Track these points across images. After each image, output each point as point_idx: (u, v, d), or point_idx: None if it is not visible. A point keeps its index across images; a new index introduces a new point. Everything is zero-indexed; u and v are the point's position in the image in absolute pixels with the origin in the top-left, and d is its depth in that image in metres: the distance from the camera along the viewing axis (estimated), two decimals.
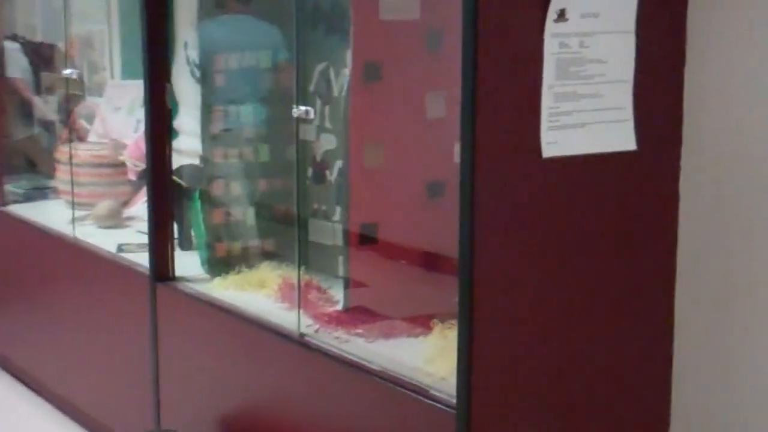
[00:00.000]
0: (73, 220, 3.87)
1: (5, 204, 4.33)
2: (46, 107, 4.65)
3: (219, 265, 3.21)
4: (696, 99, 2.35)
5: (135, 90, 3.97)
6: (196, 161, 3.29)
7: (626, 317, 2.31)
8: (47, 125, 4.64)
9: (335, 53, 2.92)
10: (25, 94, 4.67)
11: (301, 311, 2.76)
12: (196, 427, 3.05)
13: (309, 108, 2.80)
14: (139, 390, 3.32)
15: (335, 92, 2.93)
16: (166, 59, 3.21)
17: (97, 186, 4.02)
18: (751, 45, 2.33)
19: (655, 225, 2.33)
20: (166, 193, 3.23)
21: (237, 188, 3.24)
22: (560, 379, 2.23)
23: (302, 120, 2.84)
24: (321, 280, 2.97)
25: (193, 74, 3.23)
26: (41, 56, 4.66)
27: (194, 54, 3.22)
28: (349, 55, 2.82)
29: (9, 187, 4.42)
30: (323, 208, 3.00)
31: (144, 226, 3.36)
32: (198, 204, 3.24)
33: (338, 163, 2.96)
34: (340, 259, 2.95)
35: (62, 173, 4.10)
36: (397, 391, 2.34)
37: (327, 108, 2.95)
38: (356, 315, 2.78)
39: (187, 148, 3.29)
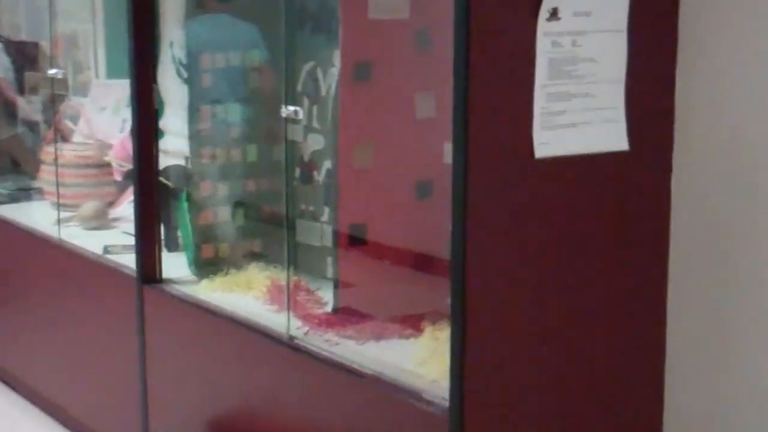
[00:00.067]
0: (59, 221, 3.83)
1: None
2: (29, 107, 4.61)
3: (206, 266, 3.19)
4: (688, 99, 2.34)
5: (120, 90, 3.96)
6: (183, 162, 3.27)
7: (618, 317, 2.30)
8: (31, 125, 4.61)
9: (323, 52, 2.90)
10: (8, 93, 4.63)
11: (290, 313, 2.74)
12: (185, 431, 3.03)
13: (298, 108, 2.79)
14: (126, 393, 3.29)
15: (323, 92, 2.91)
16: (152, 59, 3.18)
17: (83, 187, 3.99)
18: (743, 45, 2.33)
19: (647, 225, 2.32)
20: (153, 194, 3.21)
21: (224, 189, 3.22)
22: (554, 381, 2.22)
23: (290, 120, 2.82)
24: (309, 281, 2.95)
25: (179, 74, 3.20)
26: (25, 55, 4.62)
27: (181, 53, 3.19)
28: (337, 55, 2.81)
29: None
30: (311, 208, 2.99)
31: (130, 227, 3.33)
32: (185, 205, 3.22)
33: (326, 164, 2.94)
34: (329, 260, 2.94)
35: (47, 174, 4.06)
36: (389, 394, 2.33)
37: (315, 108, 2.94)
38: (345, 316, 2.76)
39: (173, 148, 3.27)
